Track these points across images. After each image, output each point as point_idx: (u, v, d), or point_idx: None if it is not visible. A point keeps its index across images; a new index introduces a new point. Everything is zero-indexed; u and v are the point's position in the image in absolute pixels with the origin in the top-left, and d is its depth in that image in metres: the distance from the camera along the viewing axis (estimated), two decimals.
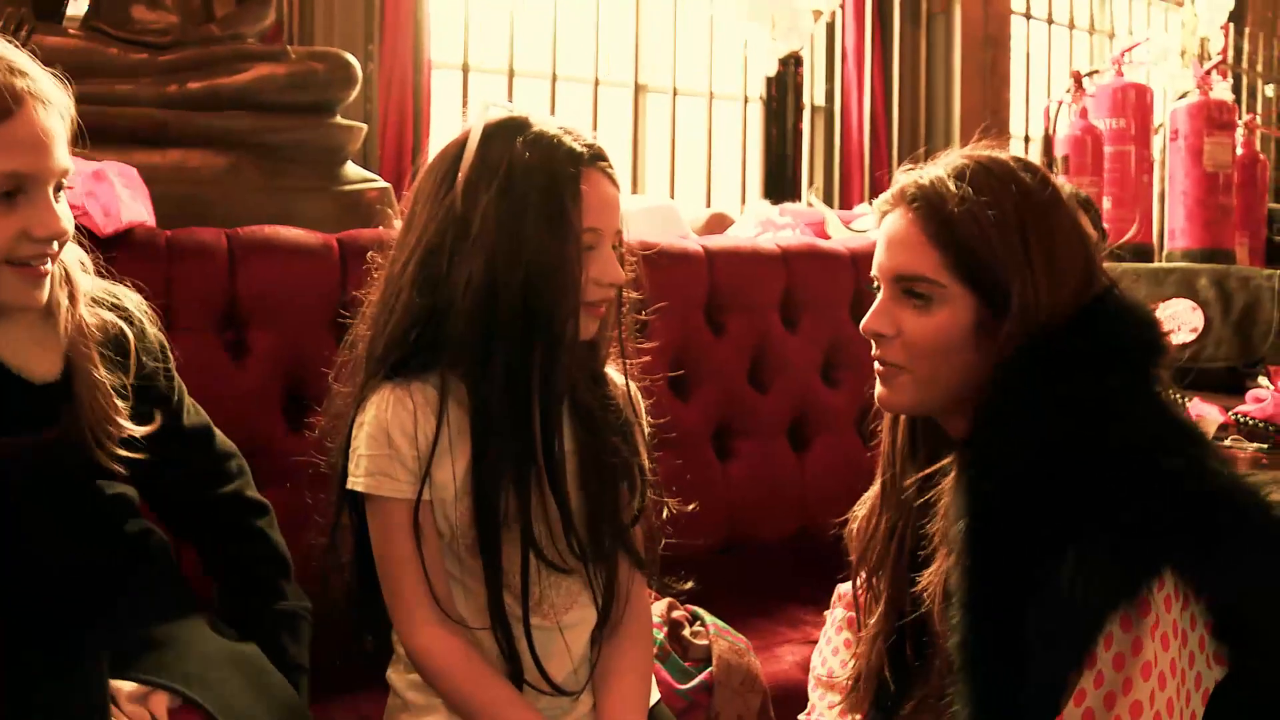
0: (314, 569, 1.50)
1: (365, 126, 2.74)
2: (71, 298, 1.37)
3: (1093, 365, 1.24)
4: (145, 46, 2.50)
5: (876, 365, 1.38)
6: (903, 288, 1.32)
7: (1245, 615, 1.18)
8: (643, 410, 1.56)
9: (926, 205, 1.30)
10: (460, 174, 1.40)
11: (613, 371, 1.55)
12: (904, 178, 1.36)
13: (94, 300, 1.42)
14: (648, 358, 1.58)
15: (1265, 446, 2.32)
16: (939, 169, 1.34)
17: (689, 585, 1.64)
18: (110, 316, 1.43)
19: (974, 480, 1.25)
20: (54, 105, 1.29)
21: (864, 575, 1.50)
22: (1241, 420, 2.40)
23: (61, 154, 1.29)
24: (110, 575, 1.43)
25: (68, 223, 1.31)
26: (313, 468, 1.50)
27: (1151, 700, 1.13)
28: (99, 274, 1.45)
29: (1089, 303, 1.28)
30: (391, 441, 1.41)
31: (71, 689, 1.26)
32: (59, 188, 1.30)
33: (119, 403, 1.39)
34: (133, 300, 1.47)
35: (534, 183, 1.38)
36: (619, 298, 1.51)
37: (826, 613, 1.72)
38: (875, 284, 1.38)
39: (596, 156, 1.43)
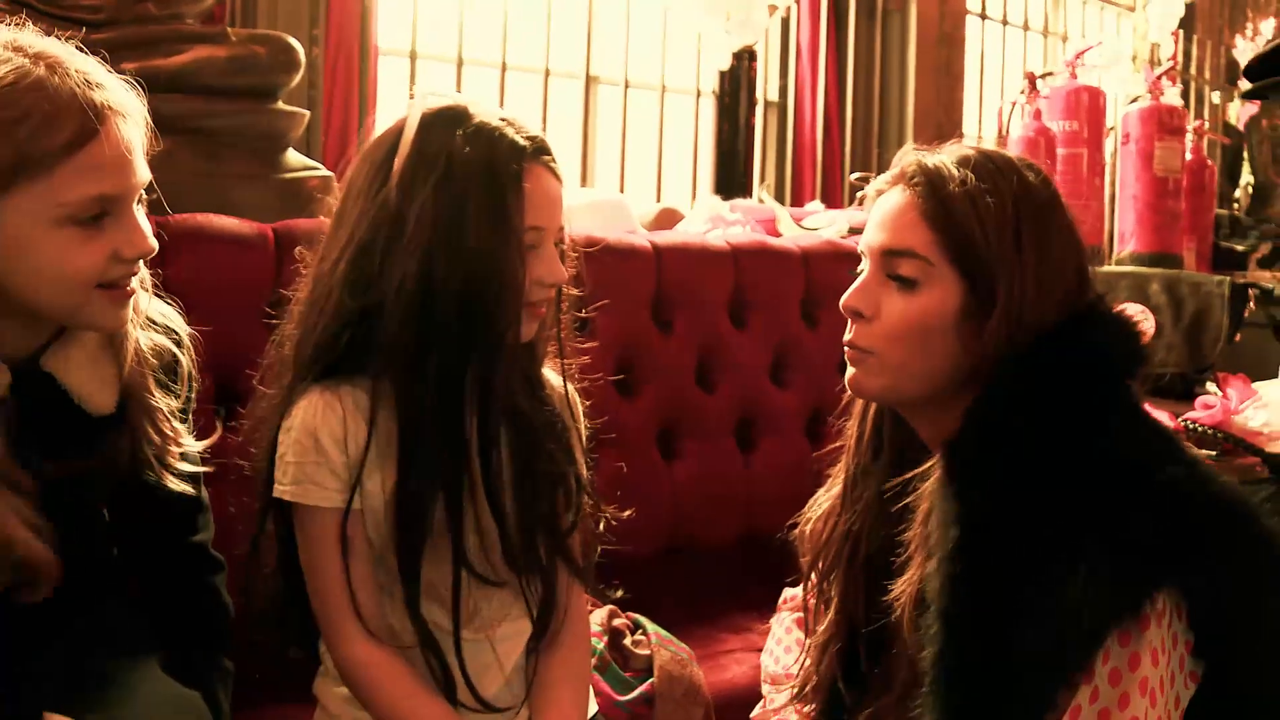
0: (237, 577, 1.43)
1: (308, 113, 2.66)
2: (135, 324, 1.33)
3: (1085, 374, 1.23)
4: (76, 24, 2.38)
5: (850, 347, 1.33)
6: (891, 268, 1.29)
7: (1230, 630, 1.16)
8: (580, 413, 1.51)
9: (926, 184, 1.28)
10: (395, 167, 1.33)
11: (549, 373, 1.49)
12: (907, 159, 1.33)
13: (149, 321, 1.37)
14: (586, 358, 1.53)
15: (1214, 454, 2.31)
16: (943, 154, 1.32)
17: (620, 594, 1.60)
18: (164, 341, 1.38)
19: (965, 488, 1.22)
20: (132, 116, 1.24)
21: (814, 579, 1.46)
22: (1191, 427, 2.39)
23: (142, 166, 1.25)
24: (82, 600, 1.35)
25: (153, 239, 1.26)
26: (237, 472, 1.44)
27: (1145, 717, 1.12)
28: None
29: (1080, 310, 1.27)
30: (320, 448, 1.35)
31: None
32: (140, 201, 1.25)
33: (176, 424, 1.35)
34: (181, 325, 1.42)
35: (474, 178, 1.31)
36: (559, 295, 1.45)
37: (773, 619, 1.68)
38: (861, 262, 1.34)
39: (540, 150, 1.37)
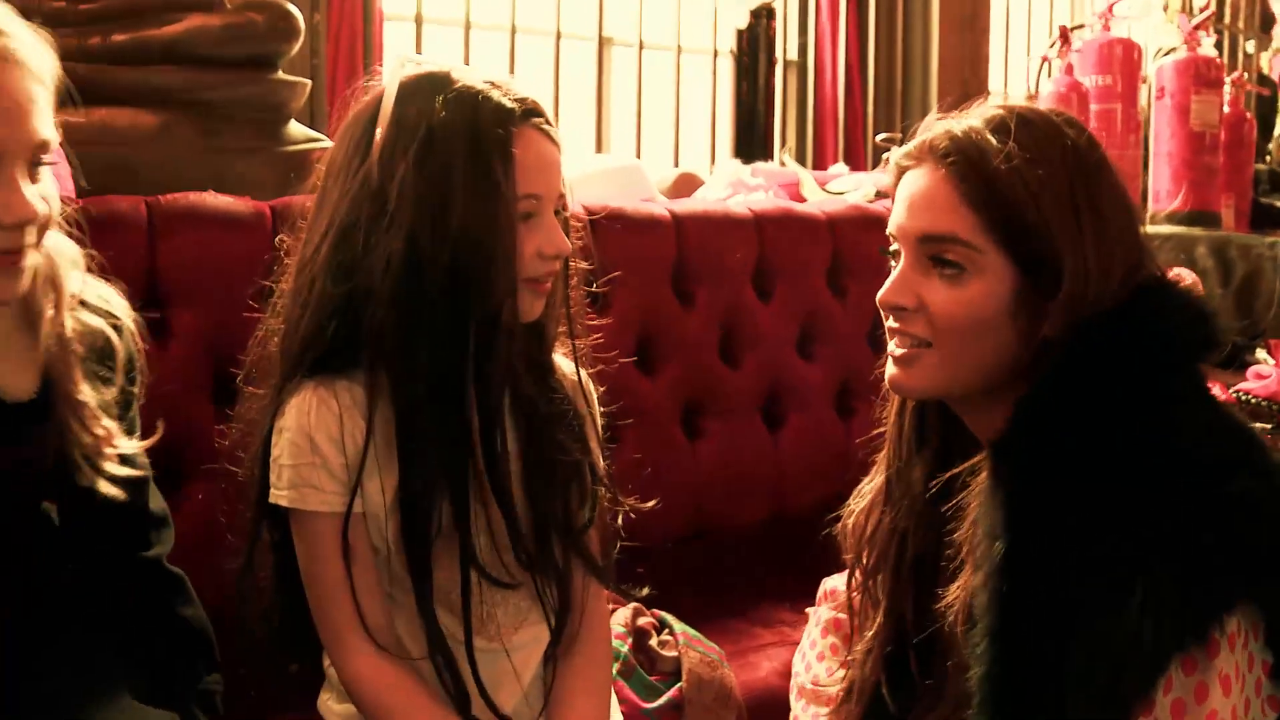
0: (227, 588, 1.34)
1: (309, 82, 2.56)
2: (57, 304, 1.20)
3: (1150, 363, 1.10)
4: None
5: (894, 342, 1.21)
6: (931, 252, 1.16)
7: None
8: (595, 400, 1.42)
9: (964, 160, 1.14)
10: (375, 140, 1.23)
11: (560, 357, 1.39)
12: (933, 129, 1.19)
13: (83, 303, 1.24)
14: (599, 337, 1.43)
15: (1269, 427, 2.19)
16: (973, 119, 1.18)
17: (645, 592, 1.50)
18: (97, 323, 1.26)
19: (1013, 496, 1.10)
20: (33, 70, 1.12)
21: (859, 577, 1.35)
22: (1244, 399, 2.26)
23: (40, 125, 1.12)
24: (45, 628, 1.25)
25: (41, 205, 1.13)
26: (228, 478, 1.34)
27: None
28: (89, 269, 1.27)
29: (1140, 288, 1.14)
30: (316, 449, 1.25)
31: None
32: (37, 163, 1.13)
33: (107, 422, 1.23)
34: (122, 307, 1.30)
35: (457, 146, 1.21)
36: (565, 271, 1.35)
37: (809, 610, 1.58)
38: (892, 248, 1.21)
39: (530, 112, 1.26)
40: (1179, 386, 1.11)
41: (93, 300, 1.27)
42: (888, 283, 1.20)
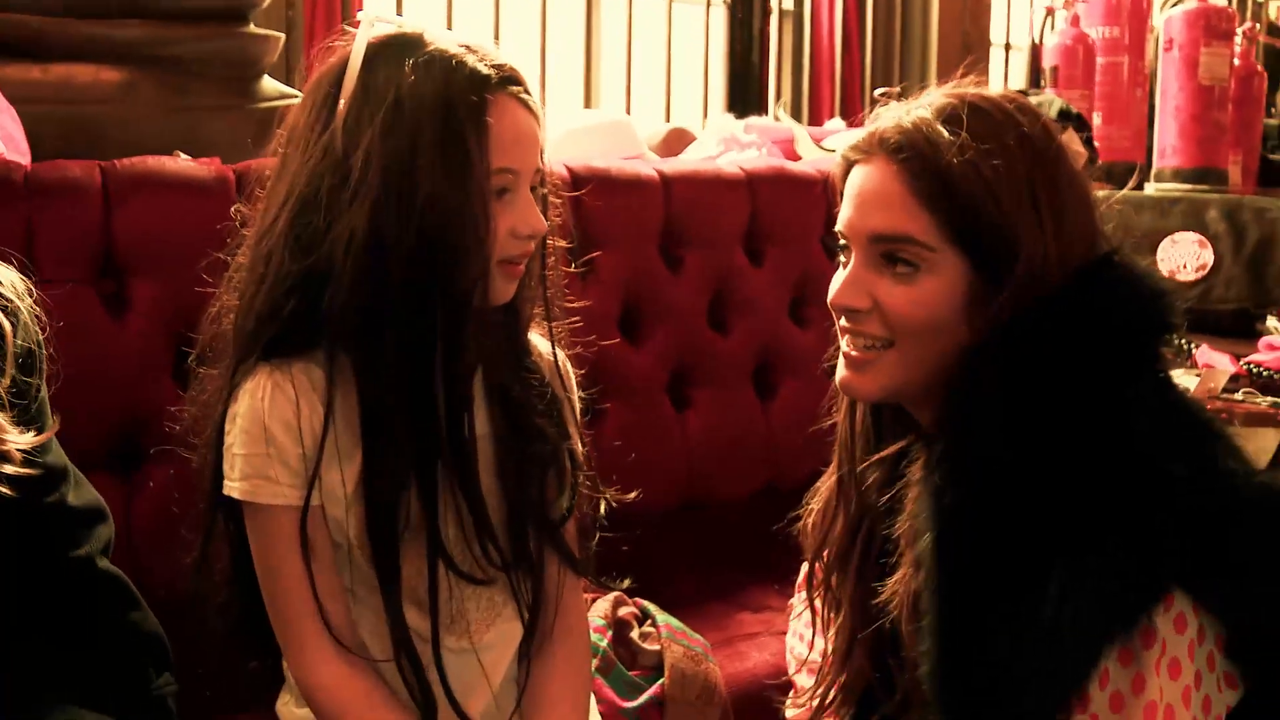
0: (188, 581, 1.26)
1: (283, 36, 2.47)
2: None
3: (1089, 345, 1.07)
4: None
5: (847, 342, 1.17)
6: (883, 251, 1.12)
7: (1265, 630, 1.02)
8: (573, 383, 1.34)
9: (916, 156, 1.10)
10: (339, 106, 1.14)
11: (537, 338, 1.31)
12: (881, 119, 1.14)
13: None
14: (578, 320, 1.35)
15: None
16: (922, 110, 1.12)
17: (626, 584, 1.43)
18: None
19: (941, 484, 1.08)
20: None
21: (819, 576, 1.32)
22: (1254, 370, 2.19)
23: None
24: None
25: None
26: (185, 463, 1.26)
27: None
28: None
29: (1087, 269, 1.11)
30: (271, 437, 1.17)
31: None
32: None
33: None
34: (15, 285, 1.18)
35: (427, 114, 1.12)
36: (543, 249, 1.26)
37: (794, 599, 1.52)
38: (841, 244, 1.17)
39: (507, 79, 1.17)
40: (1124, 368, 1.07)
41: None
42: (838, 283, 1.16)
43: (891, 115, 1.14)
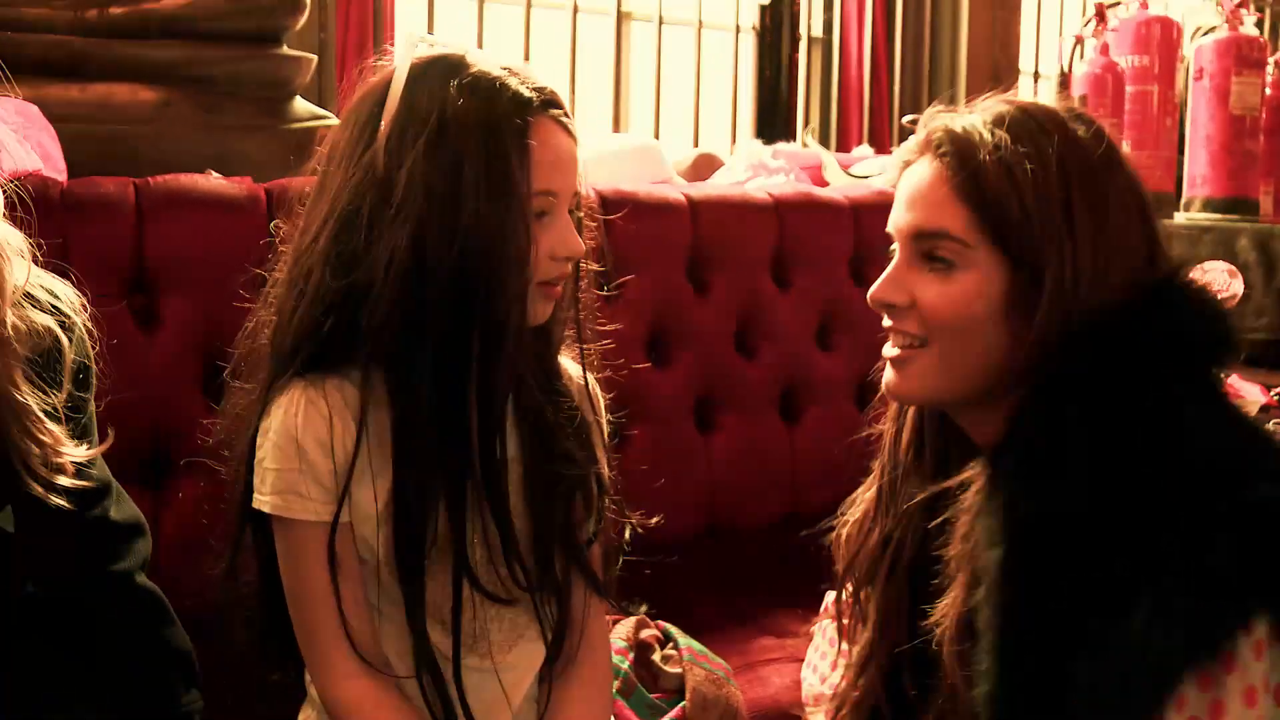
0: (211, 598, 1.26)
1: (315, 58, 2.49)
2: None
3: (1158, 365, 1.06)
4: None
5: (889, 343, 1.18)
6: (922, 249, 1.14)
7: None
8: (602, 407, 1.34)
9: (956, 154, 1.12)
10: (382, 125, 1.15)
11: (567, 361, 1.31)
12: (933, 124, 1.16)
13: (27, 297, 1.14)
14: (610, 342, 1.35)
15: None
16: (975, 114, 1.15)
17: (645, 609, 1.43)
18: (44, 321, 1.15)
19: (1012, 501, 1.06)
20: None
21: (849, 589, 1.31)
22: None
23: None
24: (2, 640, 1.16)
25: None
26: (212, 477, 1.27)
27: None
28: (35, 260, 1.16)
29: (1150, 288, 1.10)
30: (303, 453, 1.17)
31: None
32: None
33: (53, 427, 1.13)
34: (70, 300, 1.19)
35: (471, 136, 1.13)
36: (576, 272, 1.27)
37: (814, 626, 1.52)
38: (892, 247, 1.18)
39: (549, 103, 1.18)
40: (1188, 390, 1.06)
41: (39, 296, 1.17)
42: (879, 280, 1.17)
43: (943, 118, 1.16)
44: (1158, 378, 1.05)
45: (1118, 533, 1.00)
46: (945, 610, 1.14)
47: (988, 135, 1.11)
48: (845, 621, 1.33)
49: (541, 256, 1.18)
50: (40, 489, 1.11)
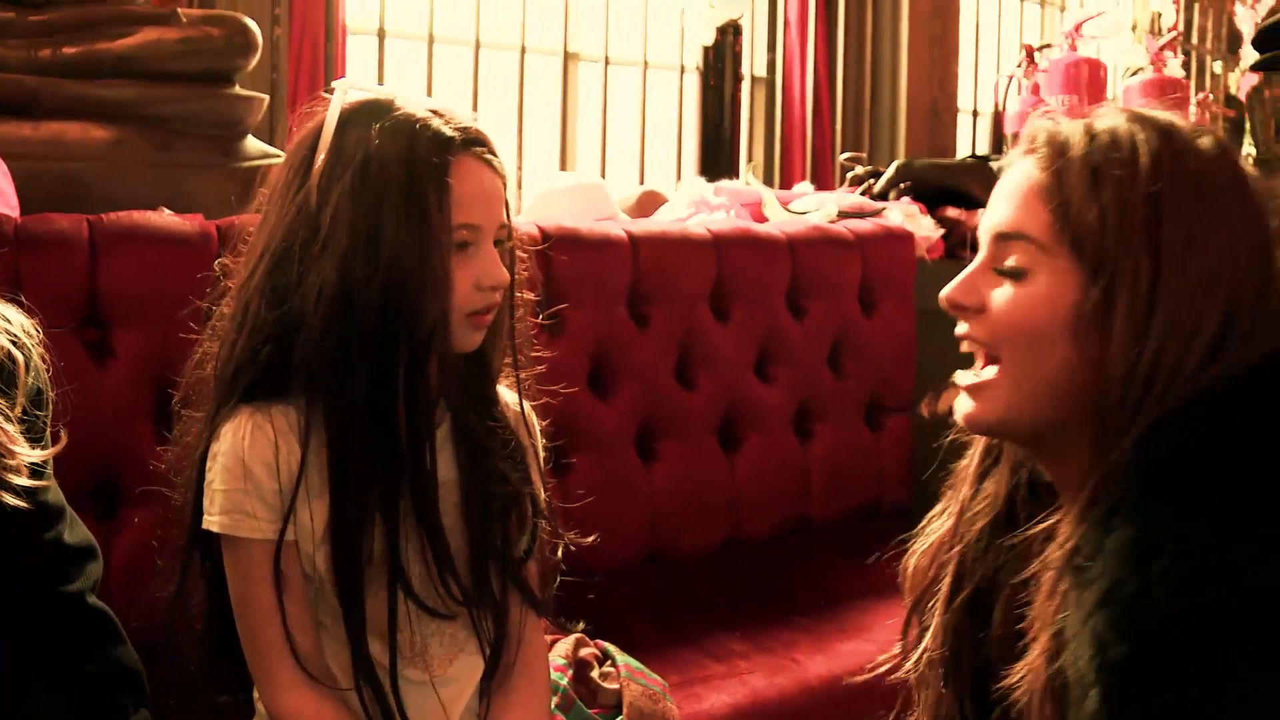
0: (160, 621, 1.31)
1: (266, 97, 2.54)
2: None
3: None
4: (13, 4, 2.27)
5: (961, 373, 1.10)
6: (1000, 251, 1.06)
7: None
8: (537, 431, 1.40)
9: (1049, 153, 1.04)
10: (315, 166, 1.22)
11: (504, 390, 1.38)
12: (1037, 125, 1.09)
13: None
14: (542, 368, 1.41)
15: None
16: (1085, 120, 1.06)
17: (582, 626, 1.48)
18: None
19: (1112, 593, 0.90)
20: None
21: (915, 631, 1.21)
22: None
23: None
24: None
25: None
26: (166, 503, 1.32)
27: None
28: None
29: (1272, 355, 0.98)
30: (250, 474, 1.23)
31: None
32: None
33: (6, 426, 1.15)
34: (22, 324, 1.23)
35: (391, 174, 1.20)
36: (510, 301, 1.33)
37: None
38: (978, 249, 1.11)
39: (472, 141, 1.25)
40: None
41: None
42: (954, 280, 1.09)
43: (1048, 120, 1.08)
44: (1273, 464, 0.91)
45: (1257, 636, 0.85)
46: (1025, 671, 1.00)
47: (1083, 138, 1.03)
48: (915, 670, 1.20)
49: (466, 287, 1.24)
50: None
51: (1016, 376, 1.05)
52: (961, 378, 1.10)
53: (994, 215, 1.08)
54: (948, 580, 1.17)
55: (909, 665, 1.20)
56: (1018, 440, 1.12)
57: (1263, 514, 0.88)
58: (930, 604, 1.18)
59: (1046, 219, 1.02)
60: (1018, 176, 1.07)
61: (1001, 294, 1.05)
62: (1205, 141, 1.03)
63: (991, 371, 1.06)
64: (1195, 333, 0.97)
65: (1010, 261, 1.05)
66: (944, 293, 1.09)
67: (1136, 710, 0.87)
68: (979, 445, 1.19)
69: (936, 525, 1.21)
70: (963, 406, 1.10)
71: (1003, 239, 1.06)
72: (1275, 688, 0.83)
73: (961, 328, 1.09)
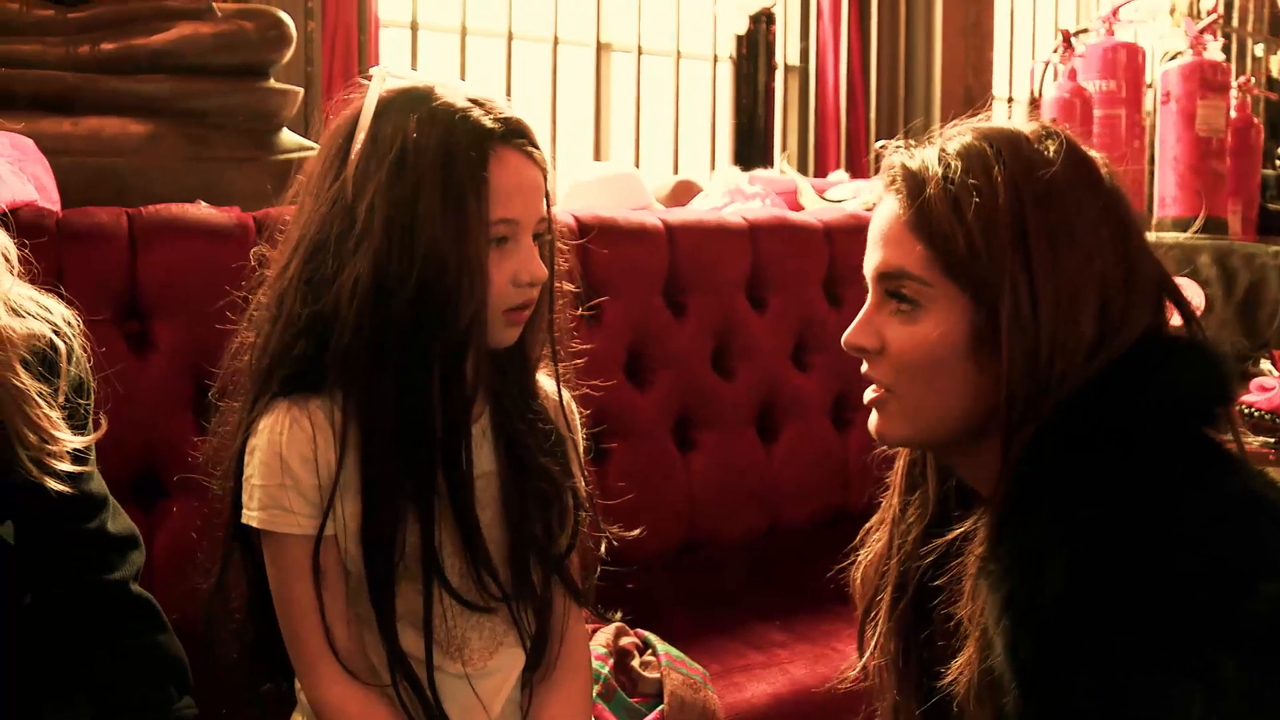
0: (201, 610, 1.31)
1: (301, 90, 2.55)
2: None
3: (1150, 431, 0.97)
4: (52, 2, 2.29)
5: (868, 390, 1.13)
6: (887, 289, 1.09)
7: None
8: (577, 423, 1.38)
9: (910, 189, 1.06)
10: (351, 157, 1.20)
11: (544, 379, 1.36)
12: (892, 159, 1.11)
13: (15, 309, 1.18)
14: (582, 361, 1.40)
15: (1272, 441, 2.15)
16: (935, 145, 1.09)
17: (620, 616, 1.47)
18: (38, 327, 1.19)
19: (1013, 572, 0.96)
20: None
21: (868, 637, 1.24)
22: (1246, 411, 2.23)
23: None
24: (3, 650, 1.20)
25: None
26: (202, 494, 1.32)
27: None
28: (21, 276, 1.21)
29: (1136, 332, 1.02)
30: (288, 469, 1.22)
31: None
32: None
33: (50, 412, 1.17)
34: (63, 314, 1.24)
35: (430, 167, 1.18)
36: (549, 294, 1.31)
37: None
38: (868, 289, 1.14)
39: (513, 133, 1.22)
40: (1184, 464, 0.97)
41: (29, 306, 1.21)
42: (851, 324, 1.12)
43: (901, 153, 1.11)
44: (1151, 449, 0.96)
45: (1143, 625, 0.90)
46: (961, 669, 1.05)
47: (937, 167, 1.05)
48: (870, 667, 1.24)
49: (504, 282, 1.22)
50: (37, 471, 1.14)
51: (920, 400, 1.08)
52: (867, 394, 1.13)
53: (872, 258, 1.10)
54: (889, 590, 1.20)
55: (860, 674, 1.25)
56: (928, 450, 1.16)
57: (1135, 495, 0.94)
58: (875, 615, 1.22)
59: (920, 252, 1.05)
60: (885, 215, 1.09)
61: (897, 332, 1.08)
62: (1052, 145, 1.06)
63: (893, 395, 1.10)
64: (1076, 331, 1.01)
65: (898, 300, 1.07)
66: (845, 337, 1.12)
67: (1051, 703, 0.93)
68: (903, 455, 1.22)
69: (876, 536, 1.24)
70: (871, 420, 1.13)
71: (885, 278, 1.09)
72: (1169, 665, 0.88)
73: (864, 367, 1.12)
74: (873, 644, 1.22)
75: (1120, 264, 1.04)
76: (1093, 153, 1.10)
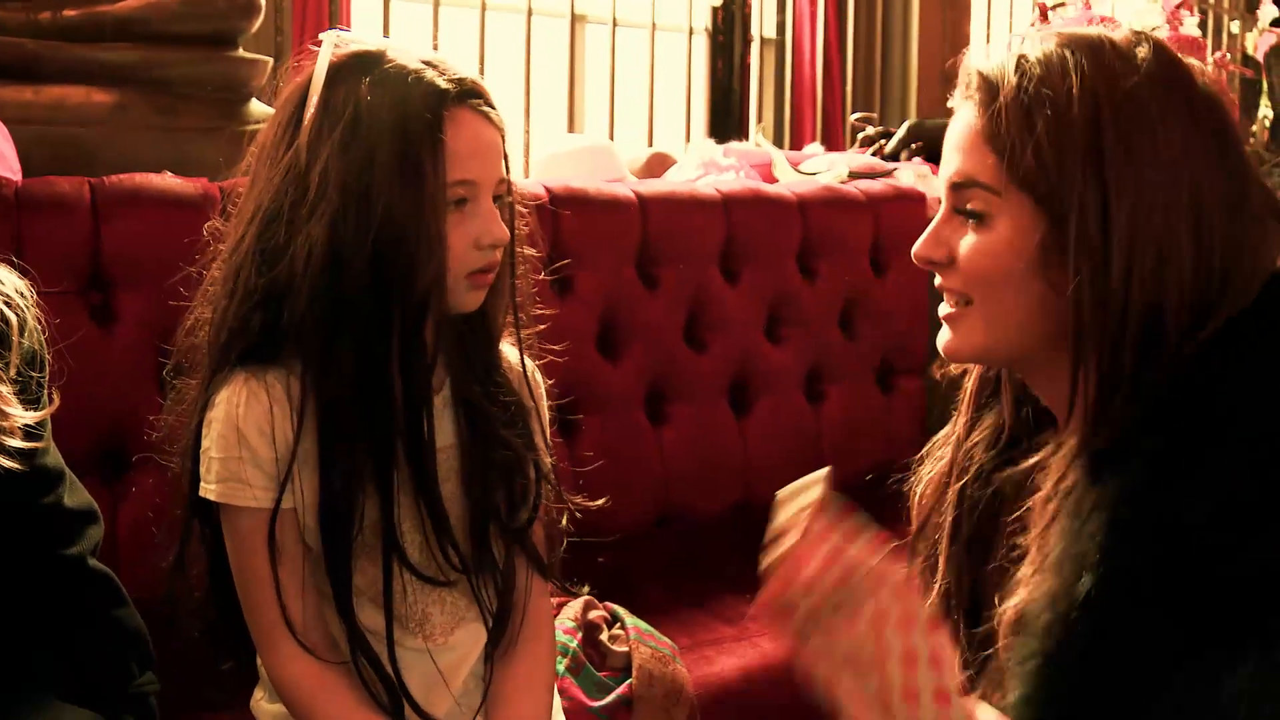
0: (163, 587, 1.30)
1: (271, 60, 2.51)
2: None
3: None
4: None
5: (942, 304, 1.10)
6: (959, 201, 1.05)
7: None
8: (542, 393, 1.37)
9: (984, 96, 1.02)
10: (303, 124, 1.18)
11: (508, 348, 1.34)
12: (969, 65, 1.07)
13: None
14: (544, 325, 1.38)
15: None
16: (1015, 50, 1.03)
17: (587, 590, 1.46)
18: None
19: (1122, 525, 0.91)
20: None
21: (921, 556, 1.20)
22: None
23: None
24: None
25: None
26: (159, 471, 1.30)
27: None
28: None
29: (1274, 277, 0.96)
30: (245, 442, 1.21)
31: None
32: None
33: (0, 388, 1.14)
34: (15, 285, 1.21)
35: (383, 130, 1.16)
36: (511, 259, 1.29)
37: None
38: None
39: (467, 93, 1.20)
40: None
41: None
42: (921, 237, 1.08)
43: (979, 58, 1.07)
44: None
45: (1233, 590, 0.87)
46: (1023, 597, 1.00)
47: (1013, 75, 1.00)
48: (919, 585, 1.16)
49: (464, 245, 1.20)
50: None
51: (992, 314, 1.05)
52: (942, 307, 1.10)
53: (947, 166, 1.07)
54: (949, 513, 1.17)
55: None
56: (1004, 366, 1.13)
57: (1258, 488, 0.89)
58: (935, 536, 1.19)
59: (993, 162, 1.01)
60: (960, 124, 1.06)
61: (967, 242, 1.04)
62: (1142, 50, 1.00)
63: (968, 308, 1.06)
64: (1164, 252, 0.95)
65: (969, 209, 1.04)
66: (914, 249, 1.09)
67: (1089, 629, 0.90)
68: (974, 374, 1.18)
69: (940, 454, 1.21)
70: (942, 337, 1.10)
71: (958, 188, 1.05)
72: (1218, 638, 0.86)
73: (938, 280, 1.09)
74: (924, 565, 1.19)
75: (1218, 182, 0.98)
76: (1192, 60, 1.04)
